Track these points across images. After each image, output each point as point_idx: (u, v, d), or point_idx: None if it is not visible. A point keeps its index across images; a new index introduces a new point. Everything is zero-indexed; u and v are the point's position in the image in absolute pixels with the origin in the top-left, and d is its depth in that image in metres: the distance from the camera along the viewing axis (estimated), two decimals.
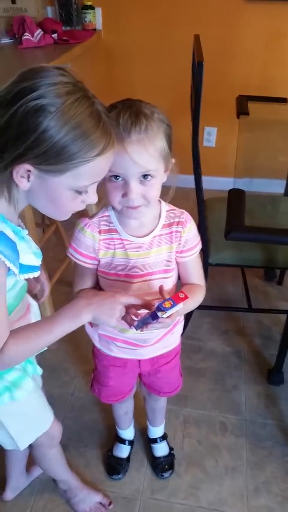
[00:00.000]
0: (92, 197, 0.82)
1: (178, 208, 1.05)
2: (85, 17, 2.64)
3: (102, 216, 1.00)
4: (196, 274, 1.08)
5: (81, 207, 0.83)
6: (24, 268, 0.83)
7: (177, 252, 1.03)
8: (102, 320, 0.87)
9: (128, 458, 1.50)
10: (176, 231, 1.01)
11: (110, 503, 1.39)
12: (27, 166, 0.72)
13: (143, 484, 1.45)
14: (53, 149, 0.71)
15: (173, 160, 0.93)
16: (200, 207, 1.67)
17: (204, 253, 1.66)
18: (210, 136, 2.96)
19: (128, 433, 1.52)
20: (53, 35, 2.45)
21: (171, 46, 2.66)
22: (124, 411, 1.44)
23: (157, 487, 1.44)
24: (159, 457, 1.49)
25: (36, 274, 0.87)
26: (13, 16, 2.49)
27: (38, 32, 2.40)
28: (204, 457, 1.53)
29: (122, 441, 1.51)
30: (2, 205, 0.78)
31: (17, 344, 0.81)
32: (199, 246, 1.06)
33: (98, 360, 1.24)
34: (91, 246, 1.00)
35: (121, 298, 0.88)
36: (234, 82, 2.66)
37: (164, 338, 1.14)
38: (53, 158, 0.72)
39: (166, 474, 1.46)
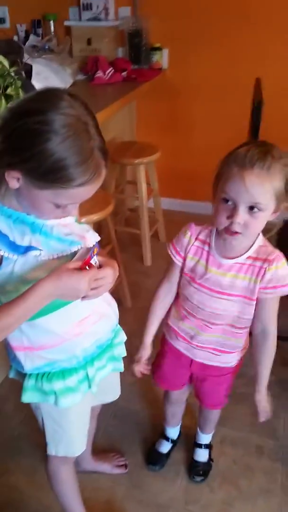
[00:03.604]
0: (72, 213, 0.90)
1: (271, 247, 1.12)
2: (153, 57, 2.86)
3: (206, 228, 1.15)
4: (269, 315, 1.14)
5: (62, 217, 0.90)
6: (21, 249, 0.88)
7: (260, 288, 1.09)
8: (68, 298, 0.90)
9: (168, 455, 1.61)
10: (261, 267, 1.08)
11: None
12: (16, 174, 0.82)
13: (178, 494, 1.52)
14: (39, 170, 0.79)
15: (287, 204, 1.01)
16: None
17: None
18: None
19: (173, 432, 1.62)
20: (122, 73, 2.68)
21: (232, 85, 2.81)
22: (172, 412, 1.55)
23: (191, 499, 1.50)
24: (198, 462, 1.57)
25: (36, 252, 0.89)
26: (88, 55, 2.76)
27: (109, 70, 2.64)
28: (239, 477, 1.57)
29: (166, 438, 1.62)
30: None
31: None
32: (285, 289, 1.09)
33: (162, 343, 1.38)
34: (184, 246, 1.16)
35: (87, 276, 0.88)
36: None
37: (218, 352, 1.25)
38: (38, 175, 0.80)
39: (198, 479, 1.54)
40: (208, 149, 3.04)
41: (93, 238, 0.99)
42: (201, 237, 1.14)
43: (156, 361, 1.41)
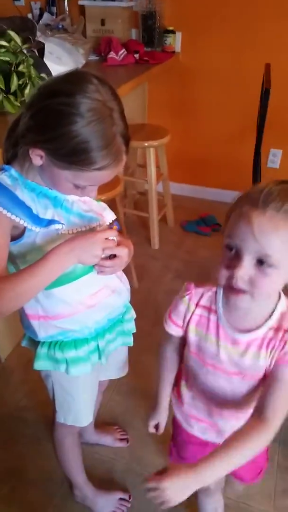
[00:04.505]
0: (91, 194, 0.92)
1: None
2: (166, 40, 2.85)
3: (209, 290, 0.89)
4: (275, 400, 0.82)
5: (81, 196, 0.93)
6: (44, 222, 0.91)
7: (277, 358, 0.83)
8: (84, 259, 0.89)
9: None
10: (282, 338, 0.83)
11: (130, 496, 1.47)
12: (40, 152, 0.85)
13: None
14: (61, 151, 0.82)
15: None
16: None
17: None
18: (275, 158, 3.04)
19: None
20: (135, 55, 2.67)
21: (243, 71, 2.80)
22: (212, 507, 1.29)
23: None
24: None
25: (58, 226, 0.92)
26: (101, 36, 2.76)
27: (122, 52, 2.64)
28: None
29: None
30: (15, 166, 0.92)
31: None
32: None
33: (177, 432, 1.14)
34: (182, 314, 0.92)
35: (100, 234, 0.89)
36: None
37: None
38: (60, 156, 0.83)
39: None
40: (218, 135, 3.05)
41: (109, 216, 1.03)
42: (204, 302, 0.89)
43: (177, 453, 1.17)
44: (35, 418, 1.71)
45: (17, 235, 0.92)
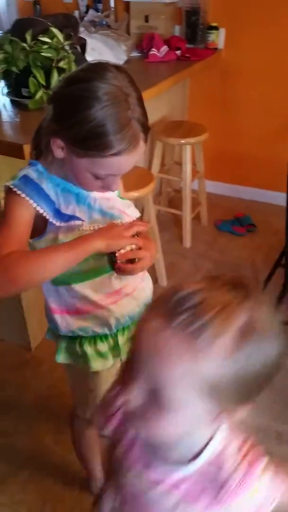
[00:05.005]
0: (112, 187, 0.92)
1: None
2: (209, 36, 2.82)
3: None
4: None
5: (103, 190, 0.93)
6: (65, 217, 0.92)
7: None
8: (112, 243, 0.90)
9: None
10: None
11: None
12: (60, 142, 0.86)
13: None
14: (79, 136, 0.83)
15: None
16: None
17: None
18: None
19: None
20: (176, 52, 2.66)
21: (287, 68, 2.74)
22: None
23: None
24: None
25: (78, 222, 0.93)
26: (144, 32, 2.76)
27: (164, 48, 2.63)
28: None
29: None
30: (41, 162, 0.94)
31: (22, 254, 0.85)
32: None
33: None
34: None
35: (126, 232, 0.92)
36: None
37: None
38: (77, 142, 0.84)
39: None
40: (259, 133, 2.99)
41: (133, 214, 1.03)
42: None
43: None
44: (59, 408, 1.75)
45: (40, 230, 0.94)
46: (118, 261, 0.94)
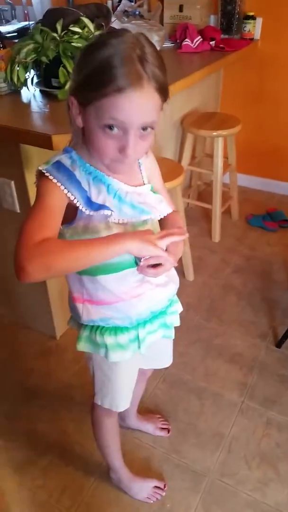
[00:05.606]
0: (127, 148, 0.85)
1: None
2: (245, 26, 2.74)
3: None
4: None
5: (121, 156, 0.86)
6: (95, 206, 0.91)
7: None
8: (143, 246, 0.86)
9: None
10: None
11: (165, 486, 1.48)
12: (72, 98, 0.86)
13: (215, 465, 1.55)
14: (85, 79, 0.82)
15: None
16: None
17: None
18: None
19: None
20: (211, 42, 2.61)
21: None
22: None
23: (227, 472, 1.52)
24: None
25: (107, 212, 0.91)
26: (178, 22, 2.72)
27: (198, 39, 2.58)
28: (279, 460, 1.56)
29: None
30: (78, 150, 0.93)
31: (58, 242, 0.84)
32: None
33: None
34: None
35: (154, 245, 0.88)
36: None
37: None
38: (83, 86, 0.83)
39: None
40: None
41: (165, 209, 1.01)
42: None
43: None
44: (82, 397, 1.77)
45: (69, 217, 0.93)
46: (142, 264, 0.93)
